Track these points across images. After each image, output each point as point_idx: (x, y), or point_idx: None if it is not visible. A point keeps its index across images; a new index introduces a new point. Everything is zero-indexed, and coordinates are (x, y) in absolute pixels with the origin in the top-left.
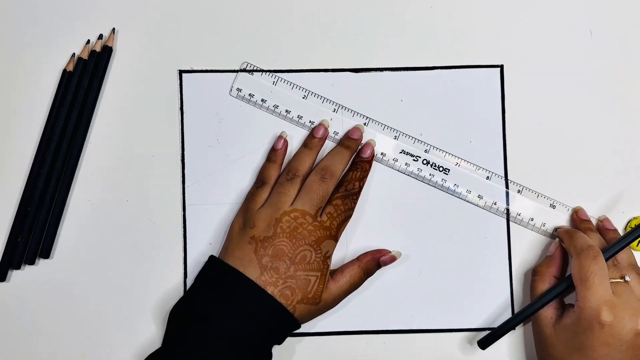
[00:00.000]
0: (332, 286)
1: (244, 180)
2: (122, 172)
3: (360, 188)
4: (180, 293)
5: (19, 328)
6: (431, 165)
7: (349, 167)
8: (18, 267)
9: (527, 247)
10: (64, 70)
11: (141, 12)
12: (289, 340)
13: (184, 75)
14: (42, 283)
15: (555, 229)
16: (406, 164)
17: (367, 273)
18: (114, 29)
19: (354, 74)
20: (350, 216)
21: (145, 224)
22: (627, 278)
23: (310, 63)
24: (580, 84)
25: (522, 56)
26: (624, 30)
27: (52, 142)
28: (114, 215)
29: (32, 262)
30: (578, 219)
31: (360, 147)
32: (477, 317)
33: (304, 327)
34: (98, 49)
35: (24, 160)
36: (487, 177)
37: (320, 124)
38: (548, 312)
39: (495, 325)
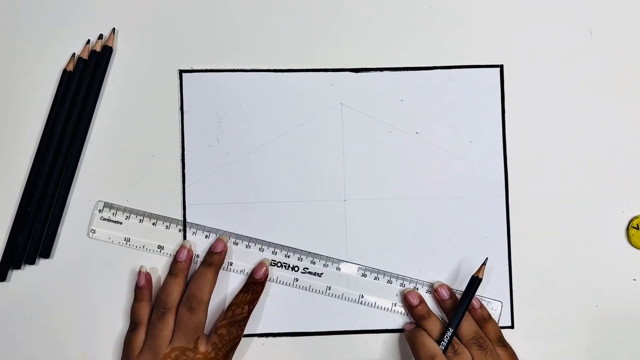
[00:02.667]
0: None
1: (244, 180)
2: (122, 172)
3: (249, 312)
4: None
5: (19, 328)
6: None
7: (240, 288)
8: (18, 267)
9: (527, 247)
10: (64, 70)
11: (141, 12)
12: (289, 339)
13: (184, 75)
14: (42, 283)
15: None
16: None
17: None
18: (114, 29)
19: (354, 73)
20: (237, 343)
21: (145, 223)
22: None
23: (311, 63)
24: (580, 84)
25: (522, 56)
26: (624, 30)
27: (52, 142)
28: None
29: (32, 262)
30: (438, 298)
31: (254, 267)
32: None
33: (304, 327)
34: (98, 48)
35: (24, 160)
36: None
37: (181, 247)
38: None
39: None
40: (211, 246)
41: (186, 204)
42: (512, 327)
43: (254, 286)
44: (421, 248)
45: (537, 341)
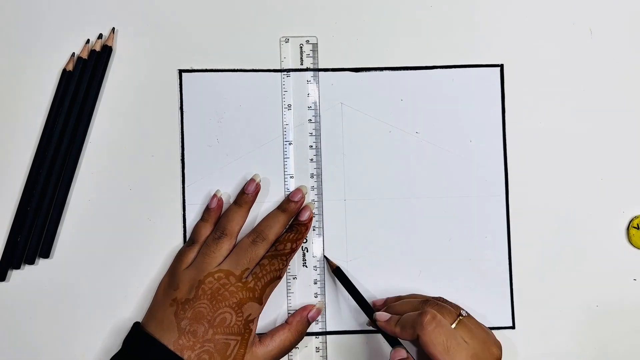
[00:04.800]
0: (259, 351)
1: (244, 180)
2: (122, 172)
3: (293, 250)
4: None
5: (19, 328)
6: None
7: (287, 228)
8: (18, 267)
9: (527, 247)
10: (64, 70)
11: (141, 12)
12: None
13: (184, 75)
14: (42, 283)
15: (371, 323)
16: None
17: (299, 335)
18: (113, 28)
19: (354, 73)
20: (278, 277)
21: (145, 223)
22: (463, 313)
23: (310, 63)
24: (580, 84)
25: (522, 56)
26: (624, 30)
27: (52, 142)
28: (114, 215)
29: (32, 262)
30: (384, 324)
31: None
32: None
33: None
34: (98, 48)
35: (23, 160)
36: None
37: (251, 179)
38: None
39: (495, 324)
40: (290, 194)
41: (186, 204)
42: (512, 327)
43: (298, 227)
44: (421, 248)
45: (537, 341)
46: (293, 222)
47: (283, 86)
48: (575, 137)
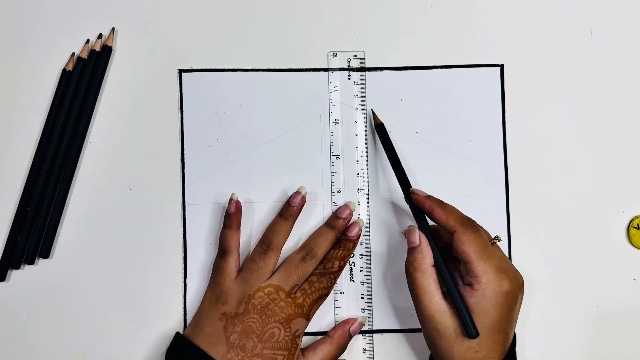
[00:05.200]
0: None
1: (244, 180)
2: (122, 172)
3: (341, 268)
4: (180, 293)
5: (19, 328)
6: None
7: (334, 244)
8: (18, 267)
9: (527, 246)
10: (64, 70)
11: (141, 11)
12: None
13: (183, 74)
14: (42, 283)
15: (409, 198)
16: None
17: (341, 348)
18: (113, 28)
19: (355, 73)
20: (326, 295)
21: (145, 223)
22: (499, 237)
23: (311, 63)
24: (580, 84)
25: (522, 55)
26: (624, 30)
27: (52, 142)
28: (114, 215)
29: (31, 262)
30: (421, 198)
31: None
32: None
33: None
34: (98, 48)
35: (23, 160)
36: None
37: (296, 192)
38: (442, 305)
39: None
40: (337, 210)
41: (186, 204)
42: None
43: (345, 243)
44: None
45: (537, 341)
46: (341, 237)
47: (330, 101)
48: (575, 137)
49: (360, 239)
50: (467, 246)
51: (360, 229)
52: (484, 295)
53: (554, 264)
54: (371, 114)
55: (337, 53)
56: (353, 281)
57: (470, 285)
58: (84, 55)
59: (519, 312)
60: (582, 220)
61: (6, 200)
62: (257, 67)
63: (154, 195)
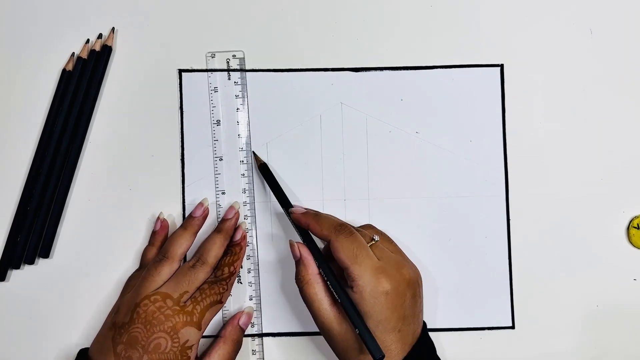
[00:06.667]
0: None
1: (244, 180)
2: (122, 172)
3: (231, 274)
4: None
5: (18, 328)
6: None
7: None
8: (18, 267)
9: (527, 247)
10: (64, 70)
11: (141, 11)
12: (288, 338)
13: (183, 74)
14: (42, 282)
15: (289, 215)
16: None
17: (236, 345)
18: (113, 28)
19: (354, 73)
20: (218, 302)
21: (145, 223)
22: (375, 238)
23: (310, 62)
24: (580, 84)
25: (522, 56)
26: (624, 30)
27: (52, 142)
28: (114, 215)
29: (31, 262)
30: (297, 216)
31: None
32: (477, 317)
33: (305, 326)
34: (97, 48)
35: (23, 160)
36: None
37: (199, 204)
38: (331, 312)
39: (495, 324)
40: (224, 213)
41: (186, 204)
42: (512, 327)
43: (232, 248)
44: (421, 248)
45: (537, 341)
46: (228, 243)
47: (211, 102)
48: (575, 137)
49: (246, 242)
50: (341, 253)
51: (244, 232)
52: (363, 297)
53: (553, 263)
54: (252, 156)
55: (216, 53)
56: (240, 282)
57: (351, 288)
58: (84, 55)
59: (415, 305)
60: (582, 220)
61: (6, 200)
62: (257, 67)
63: (154, 195)
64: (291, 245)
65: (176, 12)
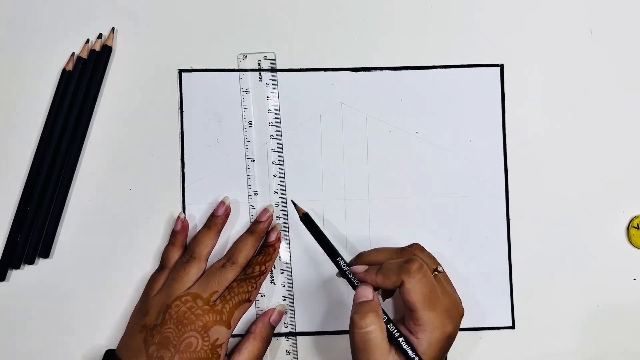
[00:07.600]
0: None
1: (244, 180)
2: (122, 172)
3: (262, 273)
4: None
5: (19, 328)
6: None
7: (257, 250)
8: (18, 267)
9: (527, 247)
10: (64, 70)
11: (141, 11)
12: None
13: (183, 74)
14: (42, 283)
15: (337, 263)
16: None
17: (265, 341)
18: (113, 28)
19: (354, 73)
20: (247, 300)
21: (145, 223)
22: (440, 269)
23: (310, 62)
24: (580, 84)
25: (522, 56)
26: (624, 30)
27: (52, 142)
28: (114, 215)
29: (31, 262)
30: (362, 276)
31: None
32: (477, 317)
33: (305, 326)
34: (97, 48)
35: (23, 160)
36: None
37: (221, 202)
38: (392, 356)
39: (495, 324)
40: (258, 215)
41: (186, 204)
42: (512, 327)
43: (266, 248)
44: None
45: (537, 341)
46: (262, 244)
47: (243, 103)
48: (575, 137)
49: (280, 243)
50: (414, 296)
51: (279, 234)
52: (430, 343)
53: (553, 263)
54: (292, 206)
55: (247, 55)
56: (274, 283)
57: (413, 333)
58: (84, 55)
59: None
60: (582, 220)
61: (6, 200)
62: (257, 67)
63: (154, 195)
64: (363, 286)
65: (176, 12)
